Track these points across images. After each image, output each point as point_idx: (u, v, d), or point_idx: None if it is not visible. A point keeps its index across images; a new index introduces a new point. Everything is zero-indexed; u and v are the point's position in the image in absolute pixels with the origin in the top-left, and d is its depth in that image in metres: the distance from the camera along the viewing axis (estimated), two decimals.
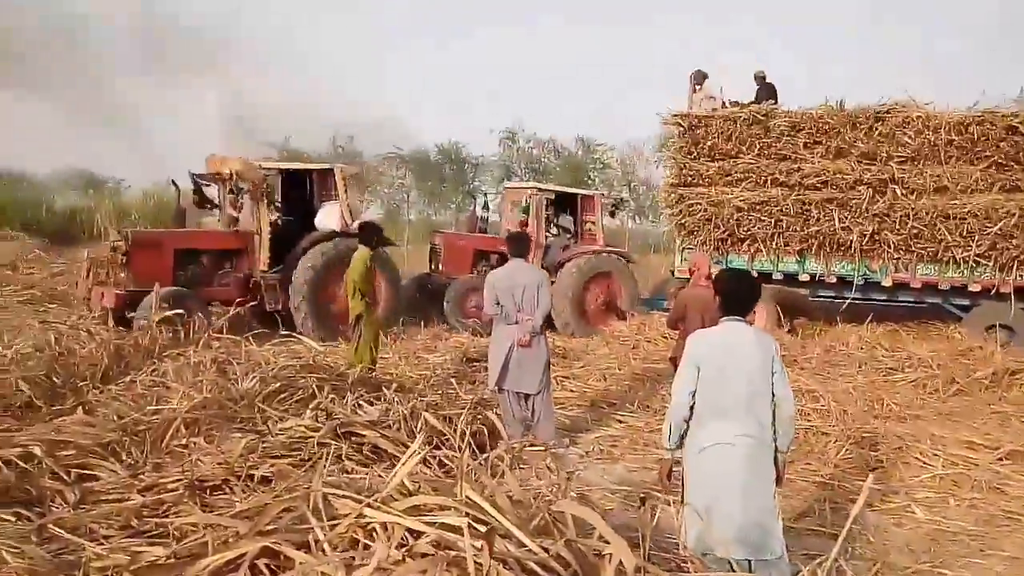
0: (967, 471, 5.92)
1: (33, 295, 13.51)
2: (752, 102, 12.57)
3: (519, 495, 3.19)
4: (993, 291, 11.02)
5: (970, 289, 11.18)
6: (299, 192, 12.31)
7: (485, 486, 3.07)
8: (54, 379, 6.02)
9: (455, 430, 5.32)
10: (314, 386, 5.95)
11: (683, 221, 12.28)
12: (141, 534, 3.88)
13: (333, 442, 4.96)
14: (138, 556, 3.21)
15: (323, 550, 2.55)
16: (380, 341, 7.92)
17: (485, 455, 4.17)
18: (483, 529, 2.59)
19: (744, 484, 3.60)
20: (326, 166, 12.36)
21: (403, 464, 2.90)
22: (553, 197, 14.23)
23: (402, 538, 2.63)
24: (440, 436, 5.33)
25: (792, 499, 5.50)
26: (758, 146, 11.92)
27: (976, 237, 10.83)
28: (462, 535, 2.51)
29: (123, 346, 6.80)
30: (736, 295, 3.79)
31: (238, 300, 10.38)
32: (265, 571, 2.60)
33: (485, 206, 16.95)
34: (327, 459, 4.26)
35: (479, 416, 5.96)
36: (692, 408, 3.69)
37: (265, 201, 11.26)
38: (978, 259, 10.94)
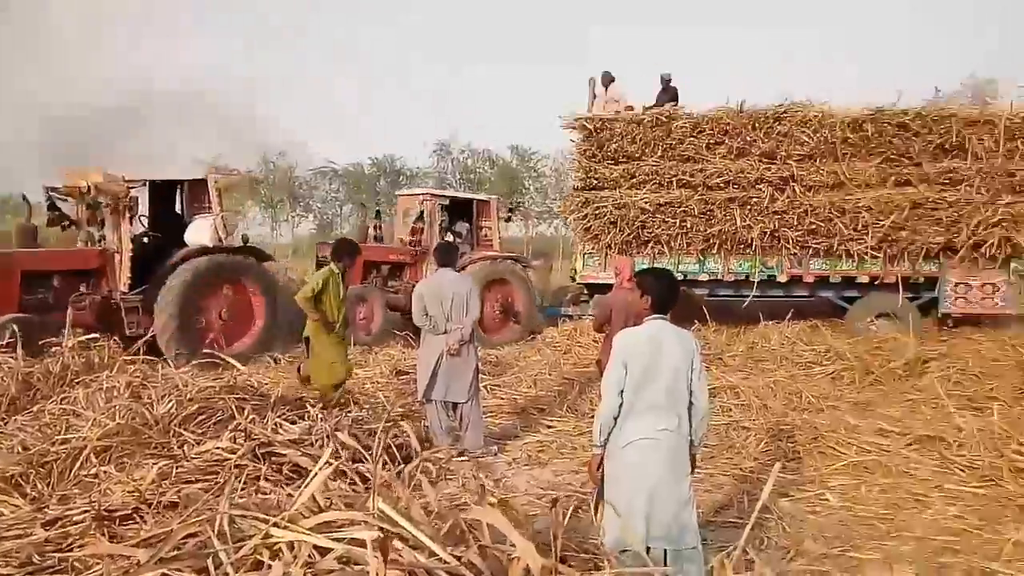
0: (879, 458, 6.14)
1: None
2: (654, 105, 12.76)
3: (435, 505, 3.18)
4: (879, 282, 11.72)
5: (859, 281, 11.86)
6: (169, 206, 11.50)
7: (399, 498, 3.05)
8: None
9: (378, 444, 5.25)
10: (234, 407, 5.81)
11: (588, 225, 12.31)
12: (43, 570, 3.73)
13: (252, 463, 4.85)
14: None
15: (226, 574, 2.49)
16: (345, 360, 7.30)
17: (404, 466, 4.13)
18: (396, 543, 2.57)
19: (663, 477, 3.68)
20: (198, 176, 11.32)
21: (309, 481, 2.85)
22: (448, 203, 13.96)
23: (309, 556, 2.58)
24: (364, 450, 5.26)
25: (713, 493, 5.62)
26: (661, 148, 12.14)
27: (869, 230, 11.41)
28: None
29: (32, 374, 6.53)
30: (660, 294, 3.87)
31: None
32: None
33: (377, 215, 16.07)
34: (240, 481, 4.15)
35: (401, 429, 5.91)
36: (620, 406, 3.75)
37: (127, 216, 10.35)
38: (870, 252, 11.54)
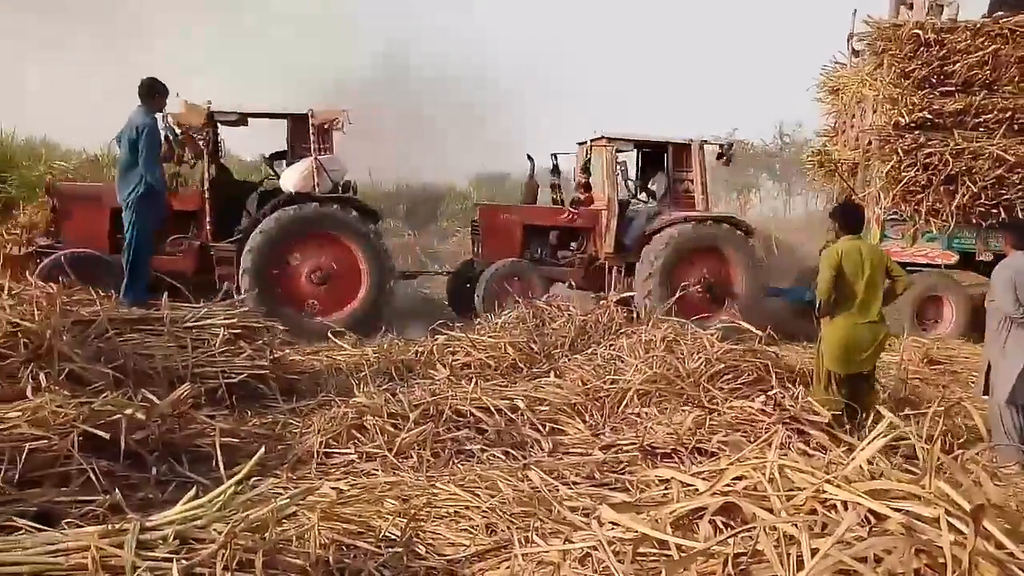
0: None
1: None
2: (988, 15, 9.08)
3: (998, 500, 2.85)
4: None
5: None
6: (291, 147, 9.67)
7: (960, 483, 2.80)
8: (532, 346, 7.02)
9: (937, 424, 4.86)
10: (761, 373, 5.96)
11: (905, 178, 8.90)
12: (603, 485, 4.37)
13: (778, 429, 4.92)
14: (605, 499, 3.62)
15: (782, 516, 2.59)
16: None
17: (956, 454, 3.78)
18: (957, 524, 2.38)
19: None
20: (302, 112, 9.30)
21: (865, 445, 2.79)
22: (631, 150, 10.91)
23: (863, 520, 2.55)
24: (898, 439, 4.94)
25: None
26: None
27: None
28: (932, 525, 2.35)
29: (587, 321, 7.62)
30: None
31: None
32: (723, 528, 2.73)
33: (555, 170, 11.71)
34: (777, 441, 4.25)
35: (948, 421, 5.37)
36: None
37: (206, 153, 8.98)
38: None
